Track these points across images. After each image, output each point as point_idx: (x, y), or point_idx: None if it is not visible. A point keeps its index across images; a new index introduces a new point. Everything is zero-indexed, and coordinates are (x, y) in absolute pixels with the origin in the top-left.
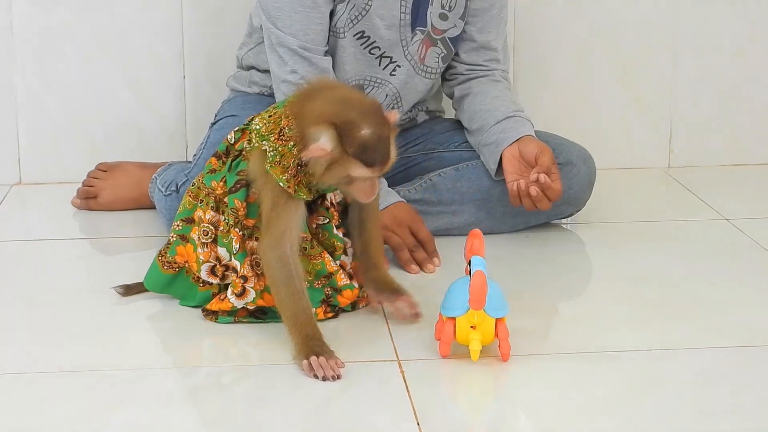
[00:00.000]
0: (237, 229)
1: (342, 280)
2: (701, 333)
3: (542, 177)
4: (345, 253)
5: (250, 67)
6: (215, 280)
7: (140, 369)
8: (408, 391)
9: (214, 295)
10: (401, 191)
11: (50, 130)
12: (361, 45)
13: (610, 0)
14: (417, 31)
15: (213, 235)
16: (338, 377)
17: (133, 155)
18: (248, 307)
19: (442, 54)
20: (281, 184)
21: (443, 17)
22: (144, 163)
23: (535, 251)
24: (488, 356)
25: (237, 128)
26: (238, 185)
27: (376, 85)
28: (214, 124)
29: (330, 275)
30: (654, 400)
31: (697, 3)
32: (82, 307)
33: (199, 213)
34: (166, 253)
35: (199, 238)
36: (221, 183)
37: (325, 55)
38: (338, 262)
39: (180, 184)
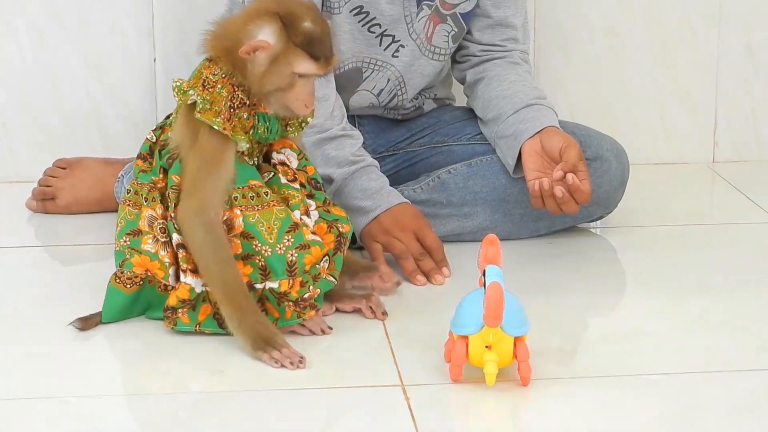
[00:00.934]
0: None
1: (308, 234)
2: (749, 353)
3: (570, 176)
4: (304, 203)
5: None
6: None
7: (104, 396)
8: (414, 420)
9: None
10: (405, 191)
11: None
12: (359, 22)
13: None
14: (423, 6)
15: (160, 232)
16: (303, 365)
17: (95, 150)
18: (208, 297)
19: (453, 32)
20: (216, 127)
21: None
22: (108, 159)
23: (560, 259)
24: (506, 380)
25: (155, 127)
26: (170, 160)
27: (377, 68)
28: None
29: (296, 226)
30: (694, 430)
31: None
32: (38, 324)
33: (147, 213)
34: (122, 272)
35: (156, 239)
36: (160, 176)
37: None
38: (298, 213)
39: None
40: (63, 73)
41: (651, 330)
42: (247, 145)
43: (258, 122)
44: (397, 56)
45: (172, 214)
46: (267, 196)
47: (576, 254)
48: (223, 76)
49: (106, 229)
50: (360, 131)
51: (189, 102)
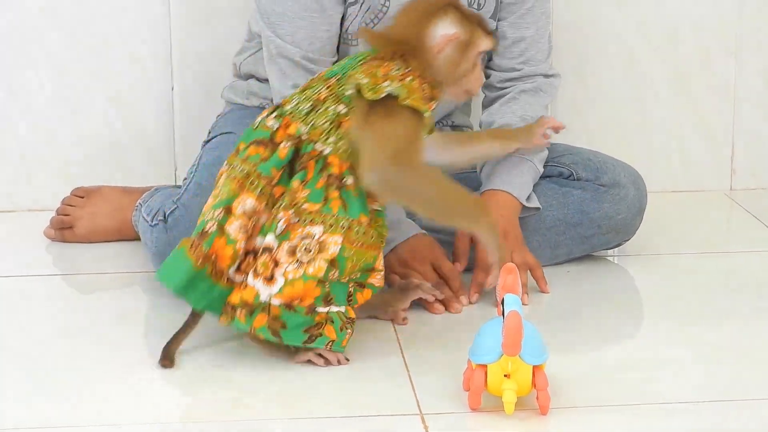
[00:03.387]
0: (291, 212)
1: (376, 279)
2: None
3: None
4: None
5: (249, 76)
6: (240, 278)
7: (127, 425)
8: None
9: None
10: (423, 219)
11: (17, 149)
12: None
13: None
14: None
15: (252, 226)
16: None
17: (113, 179)
18: (273, 301)
19: None
20: (426, 114)
21: None
22: (126, 187)
23: (578, 288)
24: (524, 409)
25: (267, 114)
26: (302, 168)
27: None
28: (207, 142)
29: (371, 270)
30: None
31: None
32: (57, 354)
33: (248, 200)
34: (200, 244)
35: (243, 229)
36: (280, 171)
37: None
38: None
39: (168, 212)
40: (81, 102)
41: (670, 358)
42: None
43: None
44: None
45: (279, 215)
46: (371, 238)
47: (594, 282)
48: (405, 70)
49: (124, 258)
50: None
51: (381, 96)
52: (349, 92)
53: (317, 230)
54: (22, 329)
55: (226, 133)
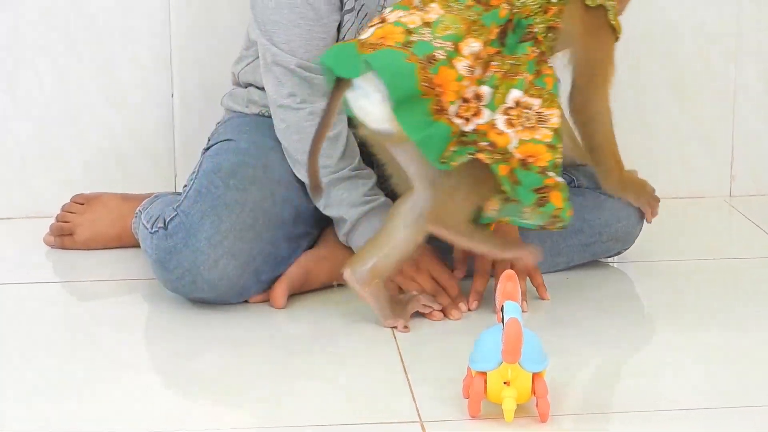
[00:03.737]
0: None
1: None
2: None
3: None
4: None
5: (248, 84)
6: (460, 121)
7: None
8: None
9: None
10: None
11: (17, 155)
12: None
13: (663, 1)
14: None
15: (478, 69)
16: None
17: (114, 186)
18: (467, 136)
19: None
20: (612, 16)
21: None
22: (126, 194)
23: (578, 294)
24: (524, 416)
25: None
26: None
27: None
28: (207, 149)
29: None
30: None
31: (762, 5)
32: (57, 361)
33: (470, 41)
34: (426, 68)
35: (467, 67)
36: (497, 29)
37: None
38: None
39: (168, 219)
40: (82, 109)
41: (671, 364)
42: None
43: None
44: None
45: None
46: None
47: (594, 289)
48: None
49: (124, 265)
50: (377, 167)
51: (596, 5)
52: None
53: (536, 102)
54: (22, 336)
55: (226, 140)
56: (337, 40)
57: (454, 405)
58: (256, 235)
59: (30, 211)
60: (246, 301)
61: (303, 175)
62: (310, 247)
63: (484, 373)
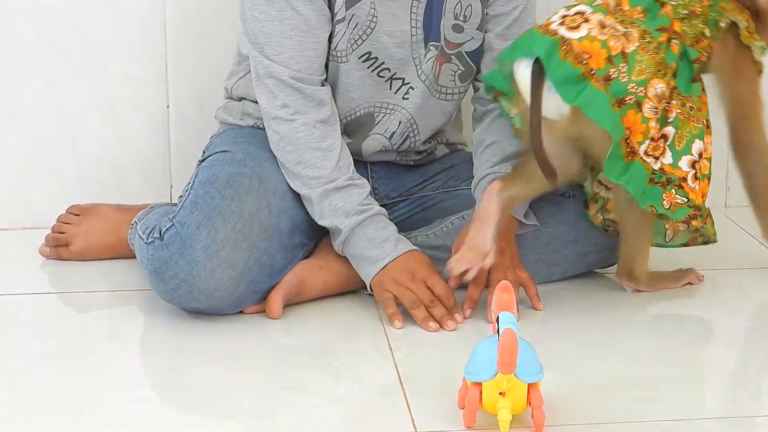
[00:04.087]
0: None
1: None
2: (765, 399)
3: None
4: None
5: (241, 98)
6: (650, 160)
7: None
8: None
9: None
10: (418, 237)
11: (13, 167)
12: (368, 68)
13: None
14: (430, 47)
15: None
16: None
17: (109, 197)
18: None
19: (459, 71)
20: (758, 54)
21: (457, 29)
22: (122, 205)
23: (574, 305)
24: (520, 426)
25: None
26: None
27: (388, 111)
28: (202, 161)
29: None
30: None
31: None
32: (52, 372)
33: (656, 83)
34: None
35: (651, 109)
36: (674, 65)
37: (322, 85)
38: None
39: (164, 229)
40: (77, 120)
41: (665, 376)
42: None
43: None
44: (408, 98)
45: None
46: None
47: (590, 300)
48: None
49: (120, 276)
50: (373, 177)
51: (747, 45)
52: (721, 22)
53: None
54: (17, 347)
55: (221, 151)
56: (328, 51)
57: (450, 416)
58: (252, 245)
59: (26, 223)
60: (241, 312)
61: (297, 186)
62: (307, 256)
63: (479, 384)
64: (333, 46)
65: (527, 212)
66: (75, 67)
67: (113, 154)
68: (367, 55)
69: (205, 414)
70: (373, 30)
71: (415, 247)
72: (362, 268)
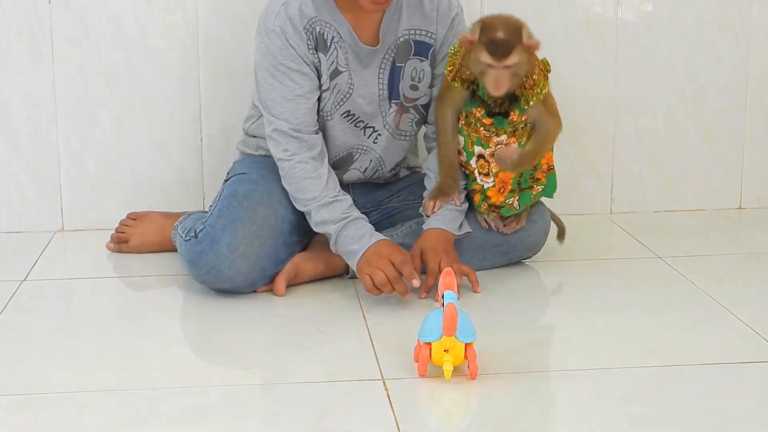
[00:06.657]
0: None
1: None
2: (638, 353)
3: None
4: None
5: (255, 136)
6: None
7: (164, 389)
8: (391, 405)
9: None
10: (386, 236)
11: (88, 184)
12: (349, 122)
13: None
14: (393, 104)
15: None
16: None
17: (158, 206)
18: None
19: (415, 119)
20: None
21: (414, 88)
22: (167, 212)
23: (499, 286)
24: (459, 375)
25: None
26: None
27: (363, 152)
28: (226, 180)
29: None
30: (599, 413)
31: (633, 73)
32: (116, 334)
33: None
34: None
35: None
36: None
37: (315, 133)
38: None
39: (198, 230)
40: (134, 149)
41: (566, 337)
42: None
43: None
44: (377, 142)
45: None
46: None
47: (512, 283)
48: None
49: (165, 265)
50: (352, 193)
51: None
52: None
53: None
54: (92, 315)
55: (241, 173)
56: (318, 110)
57: (408, 367)
58: (263, 242)
59: (96, 225)
60: (255, 291)
61: (299, 207)
62: (303, 250)
63: (429, 344)
64: (321, 107)
65: (462, 224)
66: (133, 111)
67: (161, 174)
68: (347, 113)
69: (226, 365)
70: (351, 95)
71: (385, 237)
72: (349, 259)
